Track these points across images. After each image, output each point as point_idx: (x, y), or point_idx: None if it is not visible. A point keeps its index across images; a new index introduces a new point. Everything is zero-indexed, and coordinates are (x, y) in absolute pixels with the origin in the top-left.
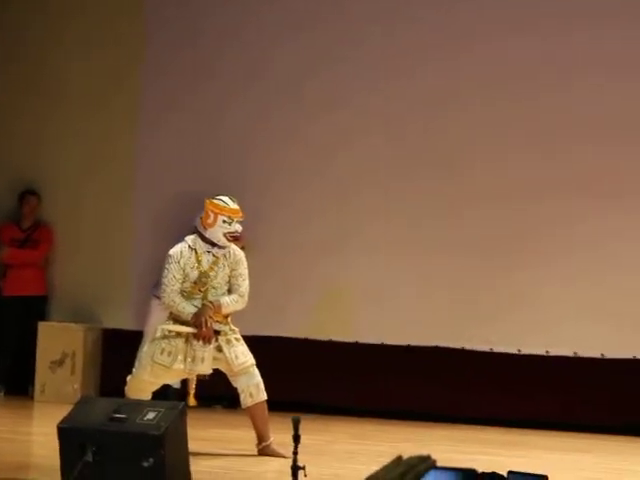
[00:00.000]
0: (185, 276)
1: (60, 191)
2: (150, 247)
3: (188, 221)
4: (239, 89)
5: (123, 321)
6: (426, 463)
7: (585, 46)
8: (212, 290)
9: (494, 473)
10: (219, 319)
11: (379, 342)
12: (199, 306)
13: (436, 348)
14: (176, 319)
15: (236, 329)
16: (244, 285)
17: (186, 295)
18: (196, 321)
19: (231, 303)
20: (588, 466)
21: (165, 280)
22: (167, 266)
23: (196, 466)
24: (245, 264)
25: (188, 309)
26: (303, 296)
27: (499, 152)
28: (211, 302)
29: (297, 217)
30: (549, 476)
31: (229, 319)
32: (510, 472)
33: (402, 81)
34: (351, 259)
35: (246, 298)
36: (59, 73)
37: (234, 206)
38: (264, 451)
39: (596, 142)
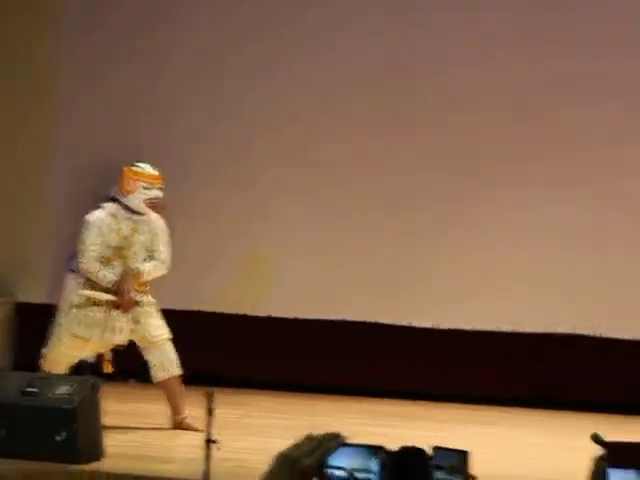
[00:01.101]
0: (105, 242)
1: None
2: (66, 219)
3: (108, 192)
4: (164, 57)
5: (37, 295)
6: (336, 440)
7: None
8: (132, 257)
9: (415, 447)
10: (139, 288)
11: (292, 316)
12: (117, 274)
13: (344, 322)
14: (93, 287)
15: (154, 300)
16: (165, 252)
17: (104, 262)
18: (117, 289)
19: (152, 270)
20: (497, 439)
21: (83, 246)
22: (85, 232)
23: (110, 440)
24: (166, 231)
25: (109, 277)
26: (220, 270)
27: (409, 124)
28: (132, 270)
29: (219, 191)
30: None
31: (148, 288)
32: (435, 447)
33: (319, 61)
34: (270, 234)
35: (168, 264)
36: None
37: (154, 172)
38: (178, 425)
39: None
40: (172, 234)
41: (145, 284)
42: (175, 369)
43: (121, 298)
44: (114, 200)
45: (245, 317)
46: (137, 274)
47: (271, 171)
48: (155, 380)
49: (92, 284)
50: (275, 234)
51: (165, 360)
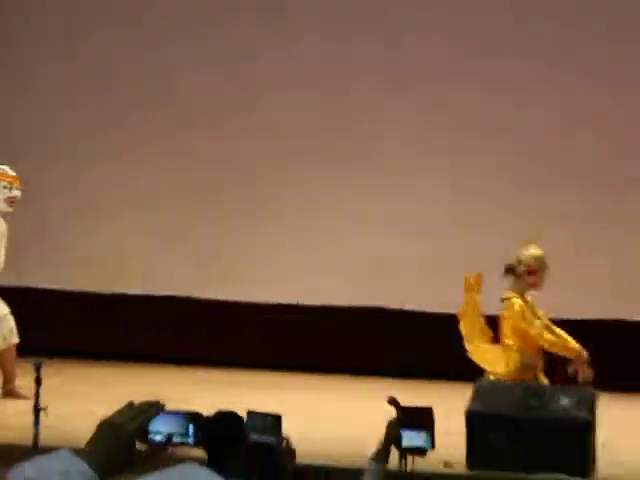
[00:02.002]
0: None
1: None
2: None
3: None
4: None
5: None
6: (155, 407)
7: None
8: None
9: (230, 412)
10: None
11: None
12: None
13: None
14: None
15: None
16: (2, 253)
17: None
18: None
19: None
20: (309, 403)
21: None
22: None
23: None
24: (6, 234)
25: None
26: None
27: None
28: None
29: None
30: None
31: None
32: (249, 412)
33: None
34: (111, 215)
35: (1, 265)
36: None
37: (13, 173)
38: (9, 393)
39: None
40: None
41: None
42: (14, 338)
43: None
44: None
45: (75, 293)
46: None
47: (99, 167)
48: None
49: None
50: (113, 216)
51: (5, 330)
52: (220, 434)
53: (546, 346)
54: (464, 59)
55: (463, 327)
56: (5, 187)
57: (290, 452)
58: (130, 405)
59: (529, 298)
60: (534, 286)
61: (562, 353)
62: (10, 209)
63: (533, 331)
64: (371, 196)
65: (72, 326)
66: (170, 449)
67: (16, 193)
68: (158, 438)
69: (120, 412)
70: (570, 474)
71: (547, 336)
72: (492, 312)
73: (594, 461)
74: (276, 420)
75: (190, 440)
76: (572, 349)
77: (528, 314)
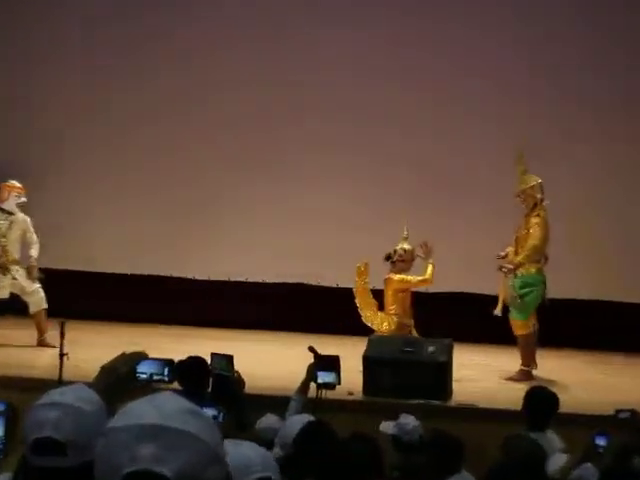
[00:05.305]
0: None
1: None
2: None
3: None
4: None
5: None
6: (141, 355)
7: None
8: (11, 245)
9: (198, 356)
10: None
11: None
12: None
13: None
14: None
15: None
16: (34, 236)
17: None
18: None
19: (34, 250)
20: (257, 351)
21: None
22: None
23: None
24: (30, 223)
25: None
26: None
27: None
28: (10, 254)
29: None
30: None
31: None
32: (212, 353)
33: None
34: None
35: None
36: None
37: (20, 185)
38: (42, 343)
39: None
40: None
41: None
42: (44, 304)
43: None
44: None
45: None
46: (13, 259)
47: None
48: (32, 312)
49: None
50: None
51: (38, 299)
52: (189, 372)
53: (422, 284)
54: None
55: (358, 302)
56: (16, 195)
57: (241, 381)
58: (123, 354)
59: (403, 275)
60: (405, 270)
61: (427, 285)
62: (19, 211)
63: (414, 281)
64: (299, 197)
65: (87, 296)
66: (152, 385)
67: (24, 199)
68: (143, 377)
69: (116, 359)
70: (434, 399)
71: (417, 279)
72: (379, 287)
73: (451, 391)
74: (230, 359)
75: (166, 378)
76: (428, 278)
77: (404, 279)
